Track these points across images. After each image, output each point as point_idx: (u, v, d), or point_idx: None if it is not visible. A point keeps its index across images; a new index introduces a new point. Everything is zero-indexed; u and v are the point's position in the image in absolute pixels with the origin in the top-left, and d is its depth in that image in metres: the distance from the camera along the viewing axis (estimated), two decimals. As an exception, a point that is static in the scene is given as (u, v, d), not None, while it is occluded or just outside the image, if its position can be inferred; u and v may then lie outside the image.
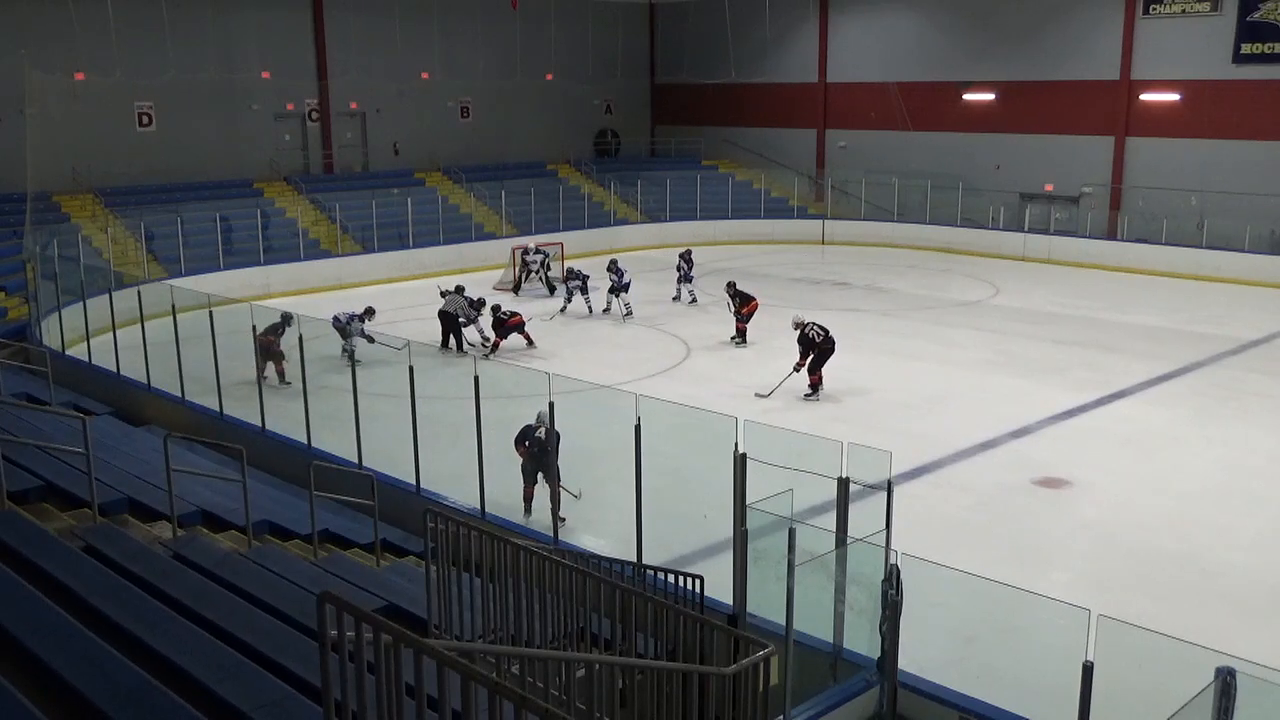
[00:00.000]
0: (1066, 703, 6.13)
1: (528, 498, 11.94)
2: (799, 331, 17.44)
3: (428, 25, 35.14)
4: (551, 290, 26.47)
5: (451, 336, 20.38)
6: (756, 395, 17.63)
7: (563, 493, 11.12)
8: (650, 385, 17.16)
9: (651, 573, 8.80)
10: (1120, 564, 11.47)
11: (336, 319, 19.26)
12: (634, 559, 9.43)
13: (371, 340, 18.14)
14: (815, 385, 17.45)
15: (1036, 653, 8.15)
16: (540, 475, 11.74)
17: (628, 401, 9.74)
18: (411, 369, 11.77)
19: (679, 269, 25.91)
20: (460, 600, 7.24)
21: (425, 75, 35.47)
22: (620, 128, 41.96)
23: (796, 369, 17.38)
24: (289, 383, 15.68)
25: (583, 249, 29.82)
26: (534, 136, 37.87)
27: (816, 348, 17.27)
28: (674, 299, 25.54)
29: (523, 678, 6.17)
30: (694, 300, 25.26)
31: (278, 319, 16.99)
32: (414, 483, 11.74)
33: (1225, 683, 5.43)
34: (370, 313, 19.56)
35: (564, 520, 11.32)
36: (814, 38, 38.17)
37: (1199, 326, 22.78)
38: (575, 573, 7.22)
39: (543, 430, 11.49)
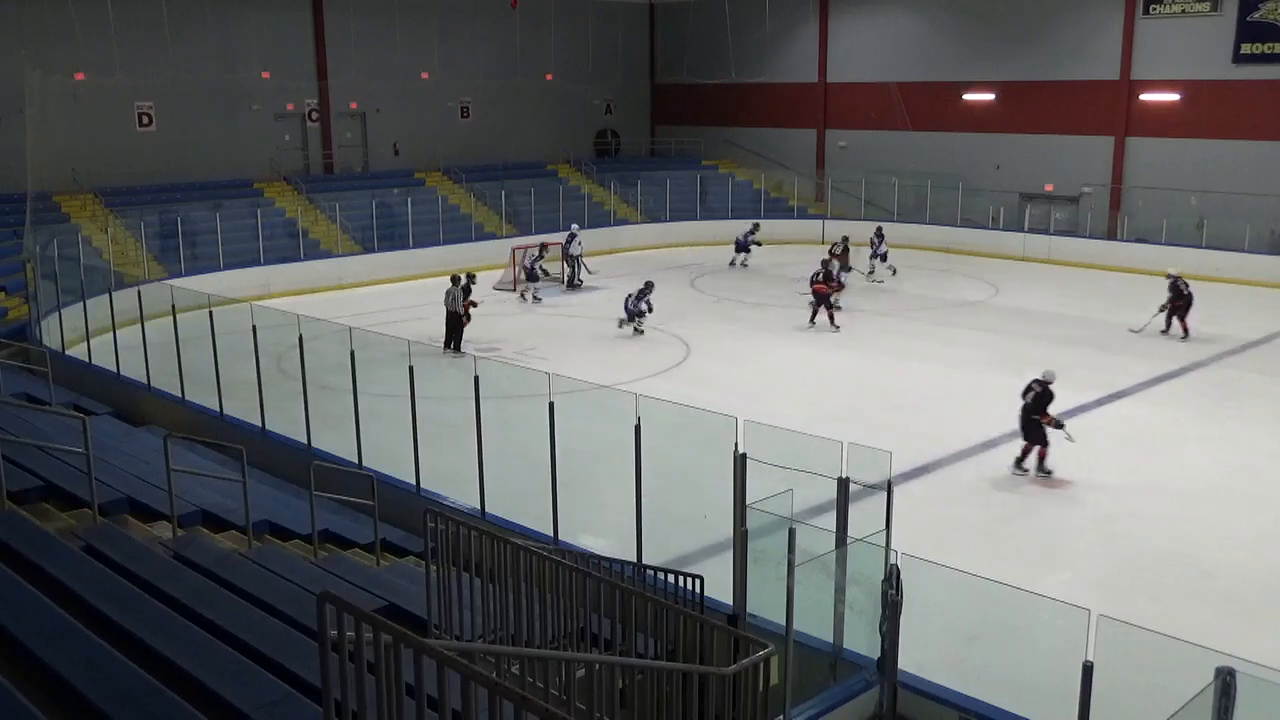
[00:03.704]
0: (1067, 703, 6.13)
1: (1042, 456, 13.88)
2: (1171, 281, 21.87)
3: (428, 25, 35.16)
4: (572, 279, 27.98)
5: (452, 339, 20.43)
6: (1130, 330, 21.92)
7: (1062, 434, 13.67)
8: (650, 385, 17.15)
9: (651, 573, 8.80)
10: (1120, 564, 11.47)
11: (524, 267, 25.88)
12: (634, 559, 9.43)
13: (548, 274, 26.82)
14: (1186, 331, 21.74)
15: (1036, 653, 8.15)
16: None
17: (628, 401, 9.75)
18: (411, 369, 11.78)
19: (871, 243, 28.58)
20: (460, 600, 7.23)
21: (425, 75, 35.48)
22: (620, 128, 41.96)
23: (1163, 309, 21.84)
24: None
25: (586, 249, 29.71)
26: (534, 136, 37.89)
27: (1183, 298, 21.58)
28: (869, 274, 28.02)
29: (523, 678, 6.17)
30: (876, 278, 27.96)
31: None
32: (414, 483, 11.75)
33: (1225, 683, 5.43)
34: (544, 248, 26.69)
35: (1050, 472, 13.71)
36: (814, 38, 38.17)
37: (1199, 326, 22.75)
38: (575, 573, 7.22)
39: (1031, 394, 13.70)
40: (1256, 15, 28.67)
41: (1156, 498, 13.29)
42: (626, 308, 22.25)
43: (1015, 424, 15.88)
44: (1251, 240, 28.09)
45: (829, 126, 38.45)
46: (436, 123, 35.85)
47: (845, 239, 28.15)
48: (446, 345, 20.26)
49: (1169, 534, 12.21)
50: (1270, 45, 28.55)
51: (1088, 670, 5.94)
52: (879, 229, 29.44)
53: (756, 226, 31.66)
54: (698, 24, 39.94)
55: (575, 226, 28.87)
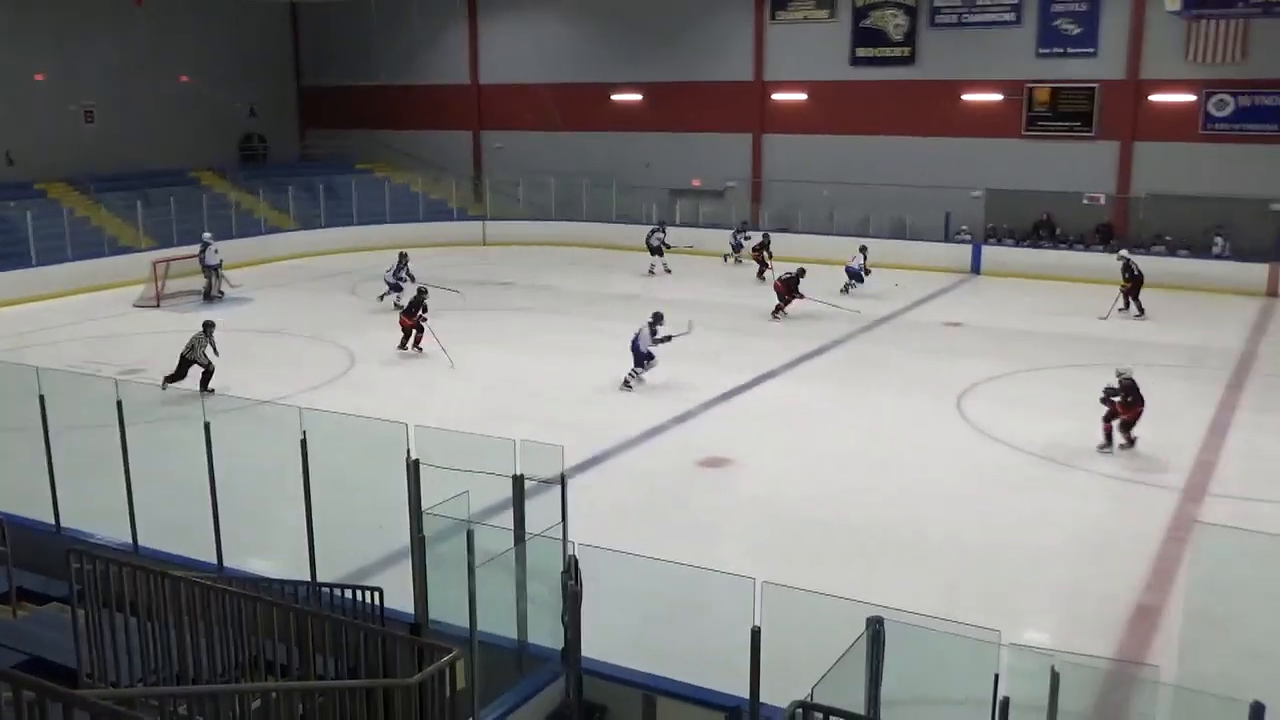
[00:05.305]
0: (741, 668, 6.47)
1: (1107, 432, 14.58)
2: (1123, 262, 23.04)
3: (39, 21, 32.14)
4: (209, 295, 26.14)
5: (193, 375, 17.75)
6: (1098, 318, 22.69)
7: None
8: (314, 397, 16.52)
9: (328, 590, 8.48)
10: (780, 532, 12.24)
11: (385, 278, 24.43)
12: (308, 578, 9.06)
13: (413, 278, 23.71)
14: (1140, 309, 22.85)
15: (712, 624, 8.54)
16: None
17: (292, 416, 9.34)
18: (42, 398, 10.71)
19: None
20: (115, 644, 6.68)
21: (40, 76, 32.40)
22: (267, 132, 40.17)
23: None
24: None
25: (233, 260, 28.22)
26: (172, 142, 35.38)
27: (1134, 278, 22.77)
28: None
29: (190, 717, 5.78)
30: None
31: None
32: (53, 521, 10.69)
33: (876, 630, 5.94)
34: (404, 257, 24.84)
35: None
36: (464, 39, 38.25)
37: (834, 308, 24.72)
38: (243, 599, 6.84)
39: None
40: (867, 22, 31.60)
41: (808, 467, 14.30)
42: (635, 348, 17.72)
43: (680, 409, 16.69)
44: (875, 226, 30.94)
45: (484, 128, 38.67)
46: (57, 128, 32.77)
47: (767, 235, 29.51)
48: (172, 380, 17.65)
49: (821, 499, 13.17)
50: (880, 49, 31.54)
51: (756, 634, 6.29)
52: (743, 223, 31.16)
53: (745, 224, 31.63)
54: (344, 24, 38.91)
55: (208, 235, 26.99)
